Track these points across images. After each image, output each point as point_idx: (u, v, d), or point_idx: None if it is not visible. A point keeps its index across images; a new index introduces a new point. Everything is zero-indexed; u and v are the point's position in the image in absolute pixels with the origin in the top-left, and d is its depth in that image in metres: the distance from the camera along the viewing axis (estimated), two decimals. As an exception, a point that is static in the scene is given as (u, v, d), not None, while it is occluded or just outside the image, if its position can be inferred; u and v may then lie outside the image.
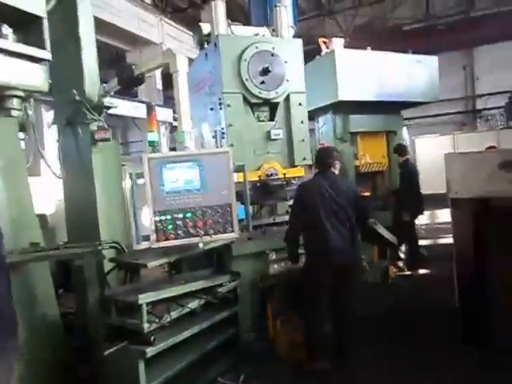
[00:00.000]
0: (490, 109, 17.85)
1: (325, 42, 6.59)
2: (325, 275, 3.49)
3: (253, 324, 3.98)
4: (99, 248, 3.09)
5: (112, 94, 3.98)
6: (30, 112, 2.91)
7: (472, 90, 19.31)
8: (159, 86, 12.62)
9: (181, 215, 3.18)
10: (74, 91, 3.39)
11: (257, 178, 4.32)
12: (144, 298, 2.92)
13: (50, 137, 6.00)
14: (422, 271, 6.33)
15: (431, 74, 6.79)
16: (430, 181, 7.99)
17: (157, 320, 2.98)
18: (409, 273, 6.29)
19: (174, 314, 3.12)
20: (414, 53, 6.85)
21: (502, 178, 2.84)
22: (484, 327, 3.15)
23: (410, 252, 6.41)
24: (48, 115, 8.14)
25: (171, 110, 11.63)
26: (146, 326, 2.90)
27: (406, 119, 10.60)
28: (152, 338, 2.90)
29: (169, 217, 3.16)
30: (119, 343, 2.90)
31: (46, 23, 2.52)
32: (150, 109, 3.76)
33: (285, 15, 4.76)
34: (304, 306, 3.62)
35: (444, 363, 3.47)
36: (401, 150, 6.47)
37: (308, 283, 3.58)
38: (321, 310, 3.56)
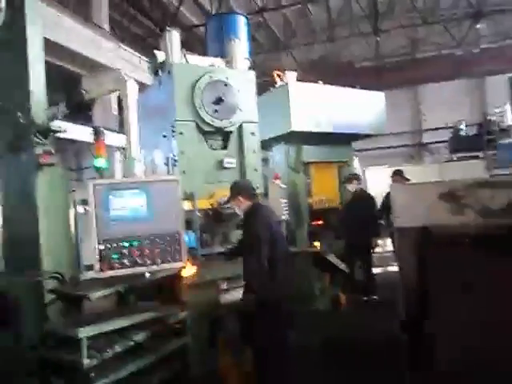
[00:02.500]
0: (435, 143, 19.01)
1: (279, 75, 6.78)
2: None
3: (203, 356, 3.86)
4: (38, 278, 2.92)
5: (61, 117, 3.90)
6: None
7: (419, 124, 20.55)
8: (115, 111, 12.44)
9: (127, 243, 3.07)
10: (19, 114, 3.28)
11: (209, 206, 4.29)
12: (84, 332, 2.77)
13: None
14: (374, 297, 6.46)
15: (378, 108, 7.16)
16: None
17: (98, 355, 2.83)
18: (364, 298, 6.40)
19: (118, 348, 2.97)
20: (362, 88, 7.20)
21: (441, 208, 3.05)
22: (429, 353, 3.22)
23: (365, 278, 6.54)
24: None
25: (127, 136, 11.43)
26: (85, 361, 2.73)
27: (358, 150, 11.04)
28: (91, 374, 2.73)
29: (114, 245, 3.04)
30: (55, 381, 2.73)
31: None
32: (97, 134, 3.67)
33: (239, 48, 4.90)
34: None
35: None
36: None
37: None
38: None
